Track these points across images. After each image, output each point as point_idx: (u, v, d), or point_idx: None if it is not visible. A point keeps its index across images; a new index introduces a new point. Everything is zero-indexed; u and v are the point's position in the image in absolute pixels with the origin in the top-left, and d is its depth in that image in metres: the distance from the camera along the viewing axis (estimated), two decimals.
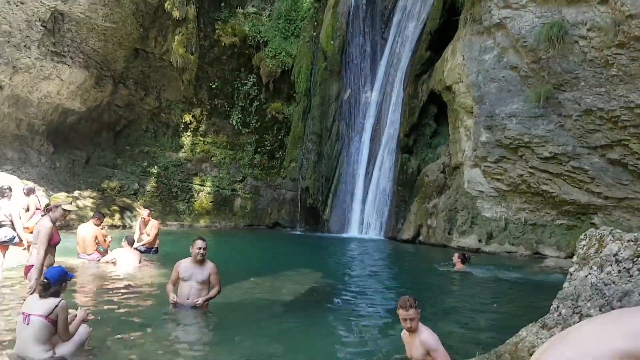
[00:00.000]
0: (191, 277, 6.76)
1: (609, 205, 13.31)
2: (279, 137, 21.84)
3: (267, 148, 21.86)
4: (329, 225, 19.76)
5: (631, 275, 3.30)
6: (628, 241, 3.48)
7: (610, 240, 3.58)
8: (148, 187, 20.81)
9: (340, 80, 20.43)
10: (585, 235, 3.84)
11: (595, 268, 3.53)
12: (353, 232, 19.20)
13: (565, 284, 3.72)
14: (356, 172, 20.15)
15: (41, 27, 17.09)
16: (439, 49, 18.07)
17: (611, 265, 3.45)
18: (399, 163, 18.84)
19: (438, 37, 18.29)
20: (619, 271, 3.39)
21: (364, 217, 19.24)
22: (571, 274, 3.72)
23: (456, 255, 12.18)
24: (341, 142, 20.45)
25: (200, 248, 6.73)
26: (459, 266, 11.83)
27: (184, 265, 6.84)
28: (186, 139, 21.84)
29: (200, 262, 6.78)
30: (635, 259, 3.34)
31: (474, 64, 15.46)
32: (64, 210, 6.94)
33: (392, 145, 19.48)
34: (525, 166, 14.74)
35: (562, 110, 13.32)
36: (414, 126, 18.87)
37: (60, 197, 6.18)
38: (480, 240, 15.73)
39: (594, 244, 3.70)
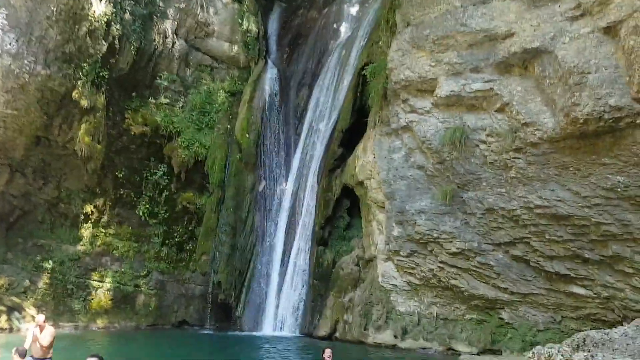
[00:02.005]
0: None
1: (515, 300, 13.92)
2: (190, 229, 21.04)
3: (176, 240, 20.90)
4: (241, 322, 18.82)
5: None
6: None
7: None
8: (40, 284, 18.80)
9: (255, 172, 20.51)
10: (533, 353, 3.84)
11: None
12: (267, 329, 18.38)
13: None
14: (271, 265, 19.73)
15: None
16: (350, 145, 18.84)
17: None
18: (314, 255, 18.73)
19: (349, 134, 19.13)
20: None
21: (278, 313, 18.57)
22: None
23: (328, 350, 11.58)
24: (256, 234, 20.11)
25: None
26: None
27: None
28: (86, 231, 20.32)
29: None
30: None
31: (384, 162, 16.12)
32: None
33: (307, 237, 19.44)
34: (435, 261, 15.19)
35: (466, 208, 14.08)
36: (328, 219, 19.08)
37: None
38: (395, 336, 15.65)
39: None
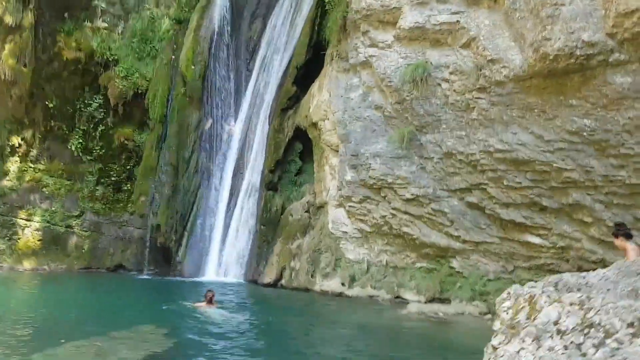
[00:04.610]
0: None
1: (467, 248, 13.41)
2: (128, 167, 19.47)
3: (113, 179, 19.35)
4: (182, 267, 17.76)
5: (584, 355, 2.38)
6: (571, 304, 2.58)
7: (545, 302, 2.67)
8: None
9: (201, 108, 18.96)
10: (509, 293, 2.91)
11: (529, 341, 2.58)
12: (210, 275, 17.42)
13: None
14: (216, 208, 18.58)
15: None
16: (305, 84, 17.61)
17: (552, 337, 2.52)
18: (262, 200, 17.71)
19: (305, 72, 17.86)
20: (566, 347, 2.45)
21: (222, 259, 17.60)
22: (495, 349, 2.74)
23: (208, 293, 11.45)
24: (200, 175, 18.79)
25: None
26: (206, 305, 11.15)
27: None
28: (12, 165, 18.51)
29: None
30: (586, 331, 2.44)
31: (340, 102, 15.14)
32: None
33: (255, 181, 18.34)
34: (388, 207, 14.50)
35: (423, 152, 13.33)
36: (279, 162, 18.00)
37: None
38: (343, 284, 15.04)
39: (523, 306, 2.77)
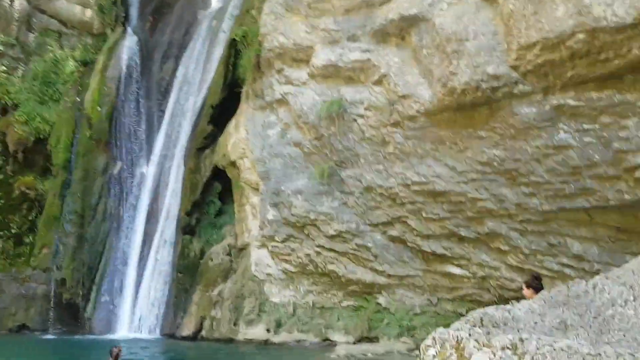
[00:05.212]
0: None
1: (392, 283, 13.32)
2: (30, 218, 17.86)
3: (13, 231, 17.68)
4: (91, 324, 16.30)
5: None
6: (502, 349, 2.31)
7: (474, 347, 2.38)
8: None
9: (109, 151, 17.91)
10: (434, 339, 2.61)
11: None
12: (122, 331, 16.09)
13: None
14: (128, 258, 17.36)
15: None
16: (222, 121, 17.16)
17: None
18: (179, 246, 16.76)
19: (221, 110, 17.43)
20: None
21: (135, 312, 16.32)
22: None
23: (114, 349, 10.35)
24: (109, 222, 17.57)
25: None
26: None
27: None
28: None
29: None
30: None
31: (258, 139, 14.88)
32: None
33: (171, 226, 17.38)
34: (313, 245, 14.21)
35: (344, 187, 13.25)
36: (196, 204, 17.22)
37: None
38: (268, 330, 14.38)
39: (450, 353, 2.47)
